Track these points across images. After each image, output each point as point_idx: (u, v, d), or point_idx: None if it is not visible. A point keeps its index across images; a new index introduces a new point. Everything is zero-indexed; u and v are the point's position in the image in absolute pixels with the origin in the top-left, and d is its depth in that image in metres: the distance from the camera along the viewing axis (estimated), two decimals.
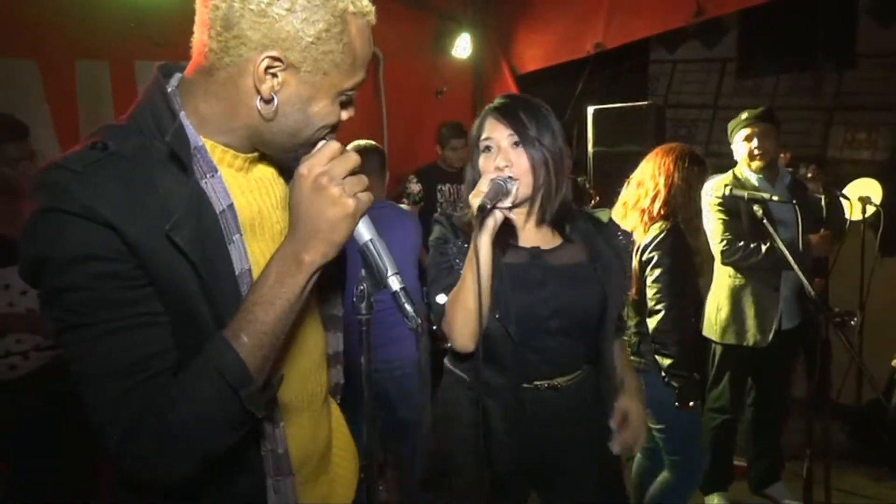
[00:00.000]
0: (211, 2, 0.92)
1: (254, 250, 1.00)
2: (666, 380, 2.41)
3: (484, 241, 1.48)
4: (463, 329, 1.55)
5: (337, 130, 1.04)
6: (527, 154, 1.57)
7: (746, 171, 3.18)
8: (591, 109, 4.45)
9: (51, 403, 2.42)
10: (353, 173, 0.92)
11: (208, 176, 0.95)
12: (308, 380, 1.14)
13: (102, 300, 0.86)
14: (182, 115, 0.95)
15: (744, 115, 3.17)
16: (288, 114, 0.95)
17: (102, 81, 3.41)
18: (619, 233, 1.80)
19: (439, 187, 4.45)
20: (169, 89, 0.98)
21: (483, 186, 1.46)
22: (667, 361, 2.41)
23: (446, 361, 1.76)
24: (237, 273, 0.95)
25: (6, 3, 3.00)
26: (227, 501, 1.02)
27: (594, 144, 4.45)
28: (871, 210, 3.29)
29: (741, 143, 3.16)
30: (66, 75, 3.29)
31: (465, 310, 1.53)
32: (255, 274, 0.97)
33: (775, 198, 2.78)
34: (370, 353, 0.99)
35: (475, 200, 1.44)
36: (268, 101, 0.93)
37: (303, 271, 0.91)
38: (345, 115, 1.02)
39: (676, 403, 2.42)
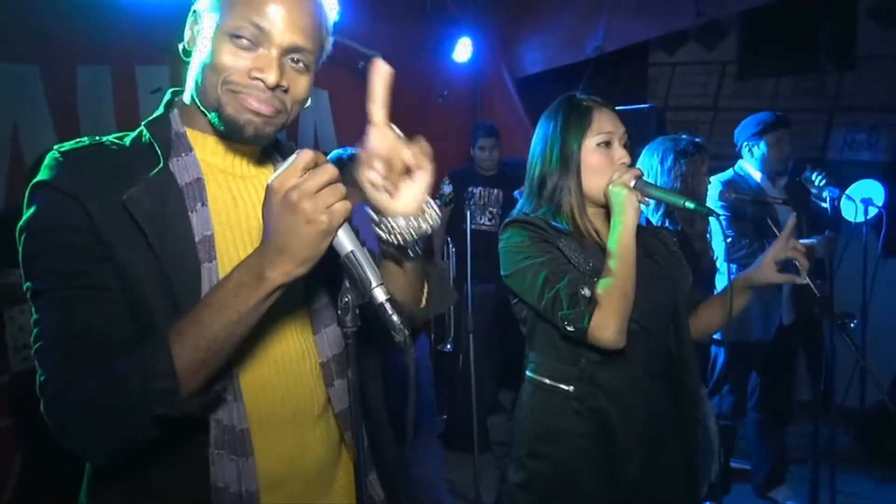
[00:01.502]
0: None
1: (224, 232, 1.04)
2: None
3: (634, 223, 1.53)
4: (621, 321, 1.49)
5: (242, 86, 0.99)
6: (631, 155, 1.64)
7: (751, 171, 3.18)
8: None
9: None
10: (330, 184, 0.86)
11: (183, 154, 1.03)
12: (296, 389, 1.10)
13: (59, 270, 0.93)
14: (174, 113, 1.07)
15: (768, 118, 3.17)
16: (196, 63, 1.02)
17: (103, 86, 3.40)
18: (658, 227, 1.79)
19: (471, 189, 4.45)
20: (169, 94, 1.11)
21: (627, 174, 1.55)
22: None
23: (540, 378, 1.65)
24: (197, 239, 0.99)
25: (7, 9, 2.99)
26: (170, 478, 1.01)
27: None
28: (872, 211, 3.26)
29: (771, 147, 3.15)
30: (67, 81, 3.27)
31: (624, 297, 1.49)
32: (220, 247, 1.01)
33: (778, 199, 2.78)
34: (357, 366, 0.94)
35: (633, 180, 1.54)
36: (188, 49, 1.05)
37: (262, 287, 0.88)
38: (255, 72, 0.98)
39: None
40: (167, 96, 1.12)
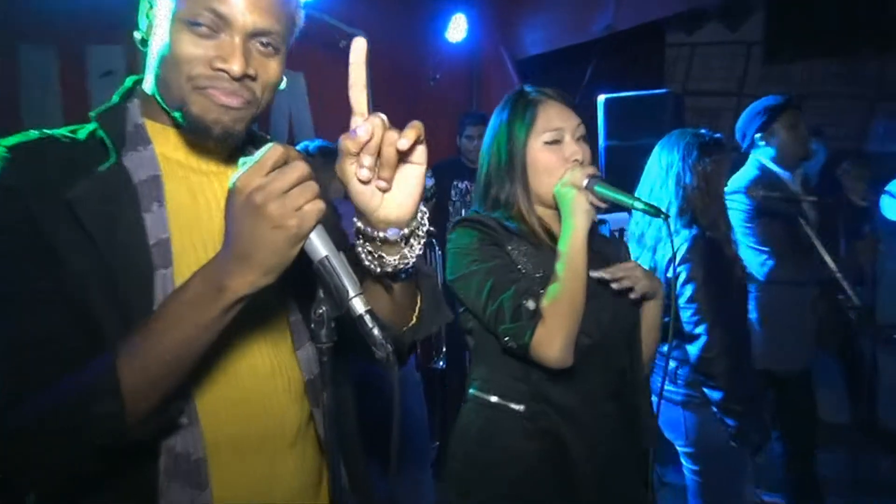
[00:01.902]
0: None
1: (182, 234, 1.03)
2: (719, 416, 2.31)
3: (585, 229, 1.55)
4: (568, 337, 1.49)
5: (208, 80, 0.99)
6: (588, 150, 1.65)
7: (772, 165, 3.08)
8: (602, 98, 4.42)
9: None
10: (300, 182, 0.84)
11: (139, 149, 1.03)
12: (260, 414, 1.08)
13: (4, 274, 0.93)
14: (134, 103, 1.07)
15: (777, 100, 3.07)
16: (153, 53, 1.01)
17: (48, 68, 3.36)
18: (614, 233, 1.79)
19: (455, 183, 4.46)
20: (130, 82, 1.12)
21: (578, 172, 1.57)
22: (717, 394, 2.30)
23: (485, 396, 1.65)
24: (152, 242, 0.98)
25: None
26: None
27: (606, 137, 4.42)
28: None
29: (786, 131, 3.02)
30: (8, 63, 3.23)
31: (573, 312, 1.50)
32: (177, 252, 1.00)
33: (811, 198, 2.74)
34: (331, 387, 0.92)
35: (585, 179, 1.55)
36: (144, 40, 1.05)
37: (221, 299, 0.86)
38: (217, 62, 0.98)
39: (733, 443, 2.30)
40: (126, 83, 1.11)
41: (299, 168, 0.84)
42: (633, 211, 2.48)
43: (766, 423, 3.21)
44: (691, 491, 2.50)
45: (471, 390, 1.68)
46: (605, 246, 1.78)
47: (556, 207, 1.64)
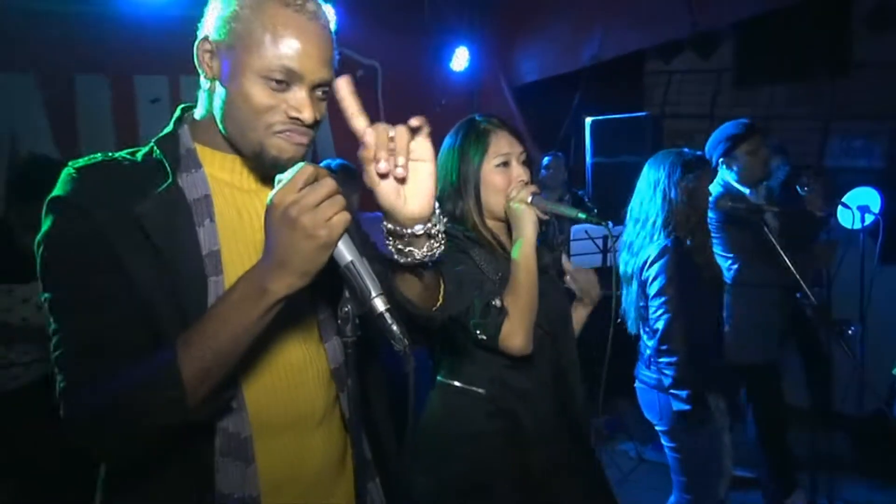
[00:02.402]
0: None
1: (230, 246, 1.06)
2: (672, 394, 2.36)
3: (534, 236, 1.65)
4: (529, 329, 1.60)
5: (286, 128, 1.03)
6: (531, 172, 1.74)
7: (734, 184, 3.11)
8: (589, 121, 4.46)
9: (53, 414, 2.42)
10: (329, 197, 0.88)
11: (192, 171, 1.07)
12: (298, 395, 1.12)
13: (71, 281, 0.98)
14: (184, 129, 1.11)
15: (740, 130, 3.05)
16: (220, 94, 1.04)
17: (102, 95, 3.41)
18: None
19: None
20: (179, 110, 1.15)
21: (525, 191, 1.68)
22: (669, 372, 2.36)
23: (451, 382, 1.73)
24: (204, 253, 1.02)
25: (5, 17, 3.00)
26: (172, 481, 1.04)
27: (593, 155, 4.46)
28: (869, 219, 3.27)
29: (747, 156, 3.02)
30: (66, 90, 3.28)
31: (530, 307, 1.61)
32: (226, 261, 1.04)
33: (774, 208, 2.77)
34: (356, 375, 0.97)
35: (529, 196, 1.66)
36: (210, 81, 1.06)
37: (264, 299, 0.91)
38: (291, 111, 1.01)
39: (685, 420, 2.35)
40: (177, 113, 1.15)
41: (328, 184, 0.88)
42: (627, 221, 2.55)
43: (739, 406, 3.25)
44: (672, 468, 2.53)
45: (438, 377, 1.76)
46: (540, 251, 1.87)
47: (503, 220, 1.75)
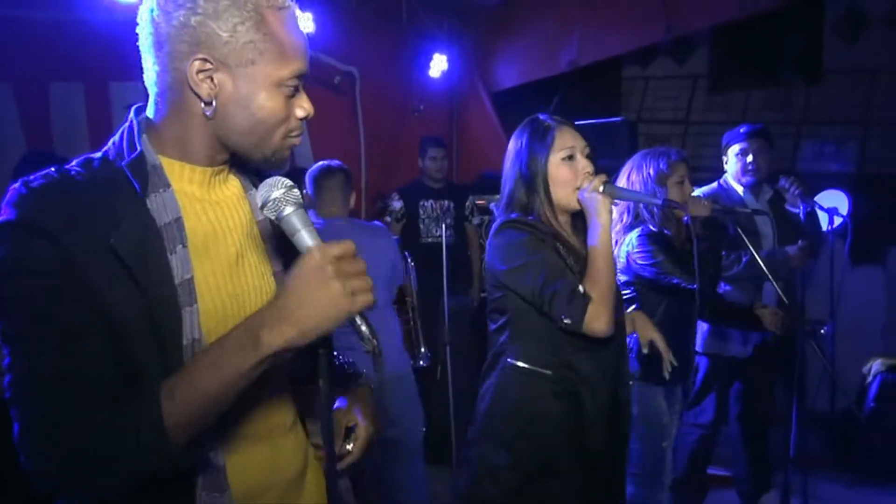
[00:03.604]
0: (142, 30, 1.00)
1: (203, 268, 1.01)
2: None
3: (609, 223, 1.75)
4: (610, 313, 1.72)
5: (300, 131, 1.06)
6: (594, 164, 1.83)
7: (733, 183, 3.29)
8: None
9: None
10: (361, 273, 0.89)
11: (160, 191, 0.99)
12: (270, 411, 1.12)
13: (37, 314, 0.88)
14: (143, 138, 1.01)
15: (742, 129, 3.28)
16: (233, 113, 0.99)
17: (76, 103, 3.42)
18: None
19: (422, 203, 4.51)
20: (136, 120, 1.04)
21: (596, 181, 1.75)
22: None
23: (518, 363, 1.82)
24: (177, 282, 0.96)
25: None
26: None
27: None
28: (838, 221, 3.38)
29: (736, 157, 3.27)
30: (40, 99, 3.29)
31: (610, 291, 1.73)
32: (200, 287, 0.99)
33: (748, 210, 2.87)
34: (327, 377, 0.96)
35: (601, 185, 1.74)
36: (209, 104, 0.98)
37: (256, 352, 0.87)
38: (300, 111, 1.03)
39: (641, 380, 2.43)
40: (132, 124, 1.04)
41: (363, 264, 0.90)
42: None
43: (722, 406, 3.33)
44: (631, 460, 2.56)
45: (507, 359, 1.84)
46: None
47: (571, 213, 1.85)
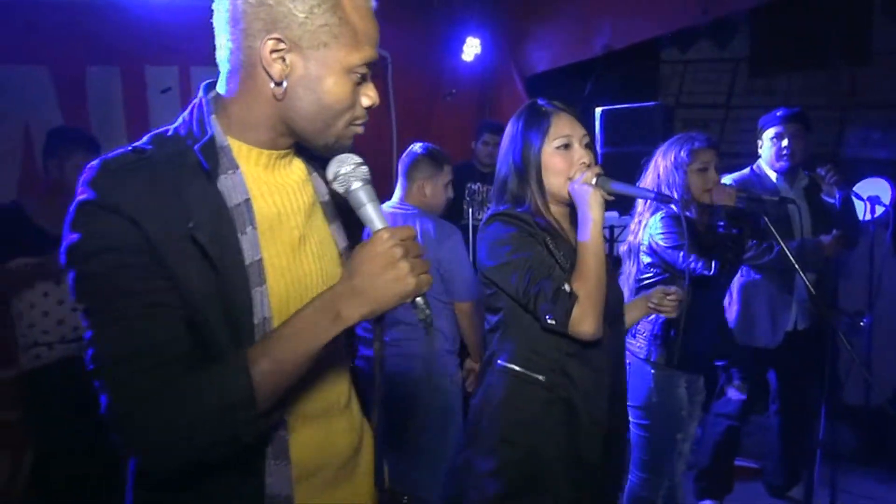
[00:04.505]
0: (219, 6, 1.02)
1: (269, 250, 1.05)
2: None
3: (601, 219, 1.66)
4: (598, 314, 1.61)
5: (363, 120, 1.08)
6: (592, 154, 1.74)
7: (767, 169, 3.23)
8: (598, 111, 4.50)
9: (75, 393, 2.55)
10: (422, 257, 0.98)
11: (229, 172, 1.02)
12: (326, 388, 1.16)
13: (118, 289, 0.92)
14: (212, 119, 1.04)
15: (778, 113, 3.22)
16: (301, 96, 1.01)
17: (113, 86, 3.52)
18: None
19: (469, 185, 4.54)
20: (205, 99, 1.07)
21: (589, 173, 1.67)
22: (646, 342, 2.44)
23: (510, 366, 1.73)
24: (247, 263, 1.00)
25: (17, 11, 3.11)
26: (223, 485, 1.04)
27: (603, 145, 4.50)
28: (879, 210, 3.30)
29: (770, 141, 3.21)
30: (77, 82, 3.39)
31: (599, 292, 1.62)
32: (267, 269, 1.03)
33: (775, 198, 2.82)
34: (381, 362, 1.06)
35: (594, 178, 1.66)
36: (279, 84, 1.00)
37: (335, 325, 0.95)
38: (365, 100, 1.05)
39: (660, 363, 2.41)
40: (203, 105, 1.06)
41: (423, 248, 0.99)
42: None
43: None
44: (636, 444, 2.56)
45: (499, 361, 1.75)
46: None
47: (565, 204, 1.76)
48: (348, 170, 1.03)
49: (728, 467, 3.32)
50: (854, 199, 3.36)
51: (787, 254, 2.37)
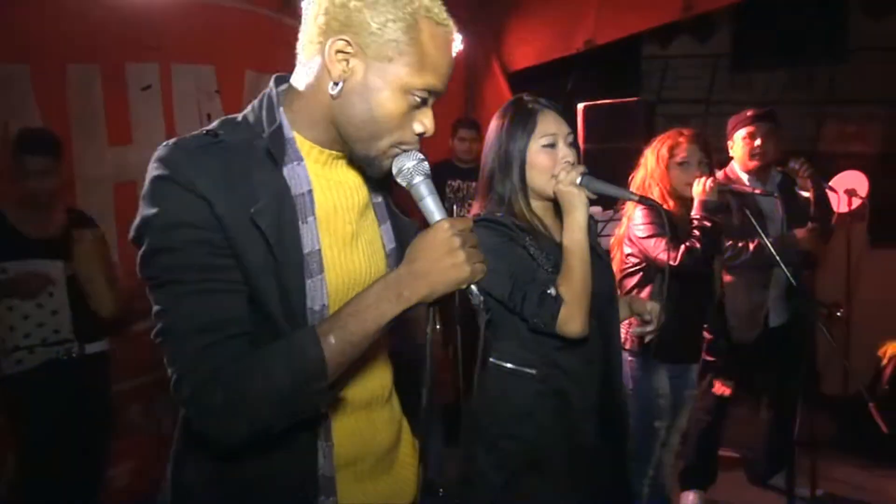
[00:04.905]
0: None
1: (323, 241, 1.08)
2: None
3: (585, 219, 1.67)
4: (584, 314, 1.64)
5: (412, 146, 1.08)
6: (577, 154, 1.76)
7: (738, 169, 3.26)
8: (580, 106, 4.53)
9: (58, 397, 2.53)
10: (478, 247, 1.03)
11: (294, 163, 1.06)
12: (369, 379, 1.19)
13: (192, 263, 0.97)
14: (280, 110, 1.09)
15: (748, 113, 3.25)
16: (355, 102, 1.03)
17: (93, 84, 3.48)
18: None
19: (449, 183, 4.54)
20: (276, 91, 1.11)
21: (574, 172, 1.67)
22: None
23: (502, 363, 1.76)
24: (306, 252, 1.04)
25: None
26: (280, 463, 1.08)
27: (585, 141, 4.52)
28: (856, 203, 3.36)
29: (742, 141, 3.23)
30: (57, 79, 3.36)
31: (584, 292, 1.65)
32: (326, 256, 1.07)
33: (757, 190, 2.86)
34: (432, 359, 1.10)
35: (578, 177, 1.66)
36: (336, 84, 1.03)
37: (399, 304, 1.00)
38: (418, 126, 1.07)
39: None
40: (273, 95, 1.11)
41: (476, 238, 1.04)
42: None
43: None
44: None
45: (491, 359, 1.79)
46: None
47: (548, 200, 1.77)
48: (412, 164, 1.07)
49: (711, 458, 3.38)
50: (829, 191, 3.42)
51: (769, 248, 2.41)
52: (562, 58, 5.21)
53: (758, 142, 3.19)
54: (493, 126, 1.81)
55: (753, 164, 3.22)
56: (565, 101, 5.28)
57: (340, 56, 1.01)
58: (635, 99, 4.56)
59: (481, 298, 1.07)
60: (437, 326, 1.09)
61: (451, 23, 1.06)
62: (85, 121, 3.42)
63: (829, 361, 3.70)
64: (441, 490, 1.39)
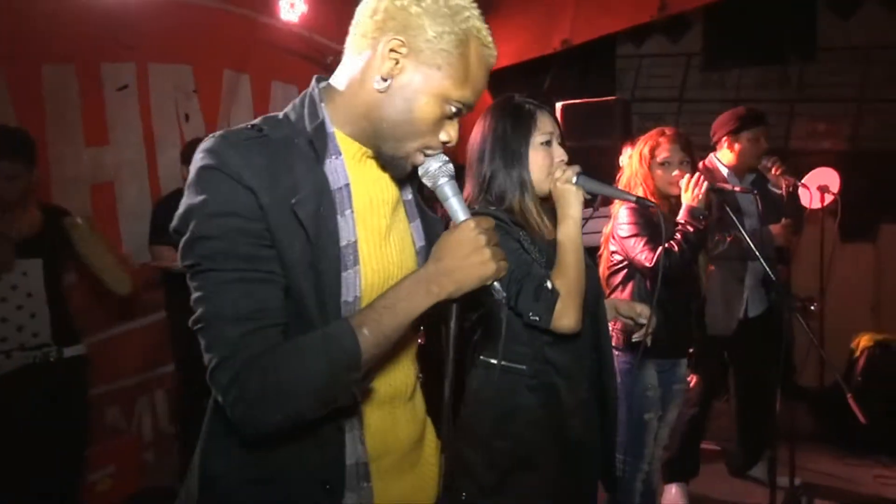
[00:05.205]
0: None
1: (360, 234, 1.11)
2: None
3: (580, 216, 1.70)
4: (579, 309, 1.67)
5: (435, 152, 1.12)
6: (567, 153, 1.79)
7: (718, 163, 3.33)
8: (559, 105, 4.56)
9: (35, 403, 2.48)
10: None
11: (333, 157, 1.10)
12: (396, 373, 1.20)
13: (235, 252, 0.99)
14: (322, 106, 1.12)
15: (751, 114, 3.30)
16: (396, 102, 1.07)
17: (69, 85, 3.43)
18: None
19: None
20: (318, 88, 1.15)
21: (570, 171, 1.70)
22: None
23: (492, 360, 1.77)
24: (343, 244, 1.07)
25: None
26: (310, 446, 1.09)
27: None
28: (829, 198, 3.43)
29: (748, 142, 3.28)
30: (33, 80, 3.30)
31: (578, 287, 1.68)
32: (361, 249, 1.10)
33: (737, 188, 2.92)
34: (455, 354, 1.10)
35: (574, 177, 1.69)
36: (384, 80, 1.06)
37: (428, 298, 1.03)
38: (443, 135, 1.11)
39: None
40: (315, 93, 1.14)
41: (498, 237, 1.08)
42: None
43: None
44: None
45: (479, 356, 1.80)
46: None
47: (543, 197, 1.79)
48: (437, 166, 1.11)
49: (694, 451, 3.44)
50: (802, 188, 3.50)
51: (745, 241, 2.46)
52: (539, 57, 5.27)
53: (763, 143, 3.27)
54: (488, 124, 1.81)
55: (753, 163, 3.28)
56: (542, 99, 5.33)
57: (393, 55, 1.05)
58: (614, 98, 4.60)
59: (504, 294, 1.10)
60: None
61: (494, 47, 1.11)
62: (61, 122, 3.36)
63: (806, 354, 3.78)
64: (464, 494, 1.40)
